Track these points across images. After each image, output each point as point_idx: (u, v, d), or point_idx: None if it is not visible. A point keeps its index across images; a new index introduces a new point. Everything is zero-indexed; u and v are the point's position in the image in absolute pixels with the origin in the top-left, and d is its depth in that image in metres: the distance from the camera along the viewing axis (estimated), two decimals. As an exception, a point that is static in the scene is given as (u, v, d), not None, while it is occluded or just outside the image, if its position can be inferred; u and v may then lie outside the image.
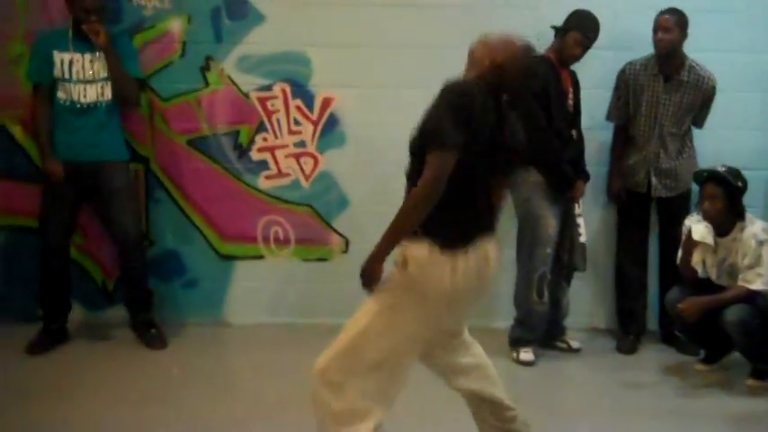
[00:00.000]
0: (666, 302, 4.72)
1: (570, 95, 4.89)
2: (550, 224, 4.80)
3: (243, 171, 5.32)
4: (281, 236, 5.37)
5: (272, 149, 5.31)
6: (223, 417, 4.04)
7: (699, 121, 5.09)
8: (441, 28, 5.16)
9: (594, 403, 4.44)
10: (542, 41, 4.77)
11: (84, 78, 4.71)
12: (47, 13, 5.10)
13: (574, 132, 4.90)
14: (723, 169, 4.54)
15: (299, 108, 5.26)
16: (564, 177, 4.86)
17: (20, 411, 4.01)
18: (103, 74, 4.74)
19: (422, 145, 2.80)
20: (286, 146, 5.30)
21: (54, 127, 4.74)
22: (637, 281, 5.24)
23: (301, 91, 5.24)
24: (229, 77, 5.24)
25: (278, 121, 5.28)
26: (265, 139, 5.30)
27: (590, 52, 4.93)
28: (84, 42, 4.69)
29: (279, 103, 5.27)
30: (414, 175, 2.85)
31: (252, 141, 5.30)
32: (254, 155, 5.31)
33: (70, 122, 4.71)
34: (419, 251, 2.83)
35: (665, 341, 5.24)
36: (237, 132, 5.29)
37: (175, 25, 5.16)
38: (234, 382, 4.55)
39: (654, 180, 5.02)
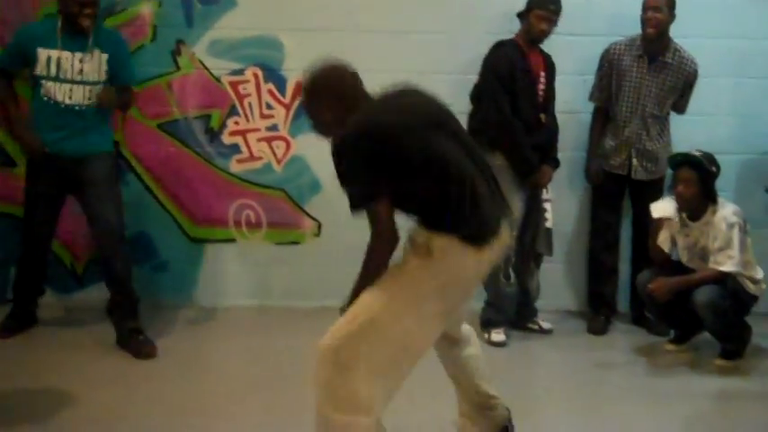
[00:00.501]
0: (638, 283, 4.76)
1: (542, 79, 4.88)
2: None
3: (214, 155, 5.30)
4: (253, 219, 5.36)
5: (243, 133, 5.30)
6: (193, 398, 4.03)
7: (680, 107, 5.13)
8: (412, 13, 5.18)
9: (566, 383, 4.48)
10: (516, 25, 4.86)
11: (72, 79, 4.44)
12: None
13: (543, 116, 4.89)
14: (698, 153, 4.58)
15: (270, 92, 5.25)
16: (525, 162, 4.82)
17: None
18: (94, 77, 4.48)
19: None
20: (258, 129, 5.29)
21: (35, 120, 4.52)
22: (608, 264, 5.29)
23: (273, 75, 5.23)
24: (201, 62, 5.22)
25: (250, 104, 5.27)
26: (237, 123, 5.28)
27: (566, 38, 5.00)
28: (73, 39, 4.42)
29: (251, 87, 5.26)
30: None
31: (223, 125, 5.28)
32: (226, 138, 5.30)
33: (53, 120, 4.48)
34: (448, 242, 2.80)
35: (636, 322, 5.30)
36: (209, 116, 5.27)
37: (146, 9, 5.13)
38: (204, 363, 4.54)
39: (635, 162, 5.05)
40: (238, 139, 5.30)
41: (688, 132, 5.23)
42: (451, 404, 3.44)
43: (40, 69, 4.43)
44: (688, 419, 3.97)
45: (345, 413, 2.74)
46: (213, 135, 5.28)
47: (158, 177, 5.28)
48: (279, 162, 5.31)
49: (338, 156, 2.80)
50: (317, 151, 5.25)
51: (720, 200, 4.61)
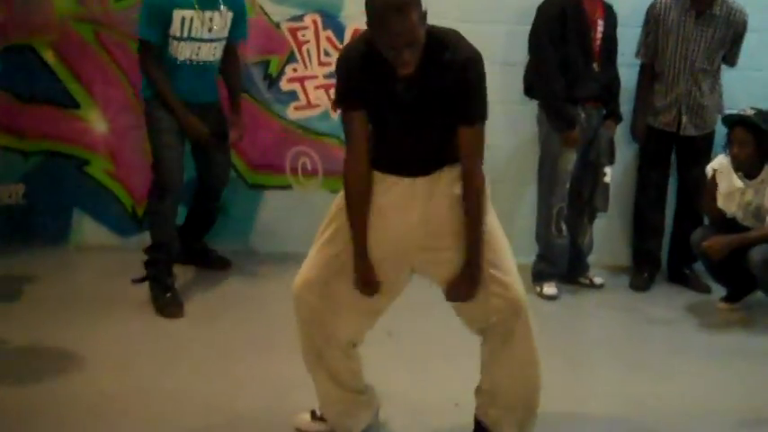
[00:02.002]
0: (692, 241, 4.72)
1: (599, 27, 4.80)
2: (569, 160, 4.81)
3: (272, 101, 5.34)
4: (309, 167, 5.41)
5: (301, 80, 5.32)
6: (248, 343, 4.14)
7: (731, 59, 5.03)
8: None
9: (617, 338, 4.51)
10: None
11: (201, 37, 4.43)
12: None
13: (596, 65, 4.82)
14: (752, 112, 4.50)
15: (329, 39, 5.25)
16: (560, 118, 4.78)
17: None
18: (220, 34, 4.51)
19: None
20: (315, 77, 5.30)
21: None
22: (654, 220, 5.25)
23: (332, 22, 5.23)
24: (261, 8, 5.22)
25: (308, 51, 5.29)
26: (295, 70, 5.31)
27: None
28: None
29: (309, 34, 5.27)
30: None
31: (282, 72, 5.31)
32: (284, 85, 5.33)
33: (178, 72, 4.46)
34: None
35: (673, 279, 5.28)
36: (267, 62, 5.30)
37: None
38: (260, 309, 4.62)
39: (684, 118, 4.98)
40: (296, 86, 5.33)
41: (745, 88, 5.14)
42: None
43: (173, 31, 4.37)
44: (741, 376, 3.97)
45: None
46: (271, 81, 5.32)
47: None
48: (335, 110, 5.33)
49: (470, 71, 2.70)
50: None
51: (777, 158, 4.54)
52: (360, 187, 2.87)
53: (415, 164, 2.85)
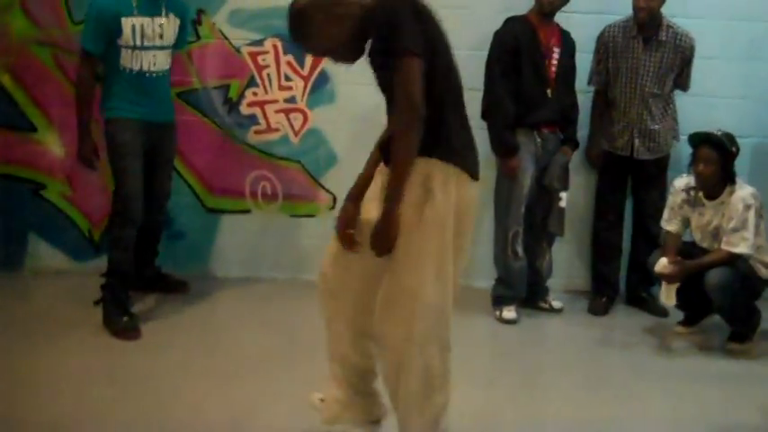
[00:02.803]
0: (649, 264, 4.77)
1: (555, 55, 4.87)
2: (523, 184, 4.85)
3: (232, 125, 5.32)
4: (269, 191, 5.39)
5: (261, 104, 5.32)
6: (206, 368, 4.08)
7: (683, 84, 5.11)
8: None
9: (575, 362, 4.50)
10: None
11: (154, 45, 4.40)
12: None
13: (549, 92, 4.86)
14: (719, 133, 4.58)
15: (289, 64, 5.26)
16: (500, 144, 4.83)
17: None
18: (170, 41, 4.50)
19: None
20: (276, 101, 5.30)
21: (116, 85, 4.42)
22: (611, 244, 5.30)
23: (292, 47, 5.22)
24: (221, 31, 5.22)
25: (268, 76, 5.29)
26: (255, 94, 5.30)
27: (571, 17, 5.01)
28: (148, 2, 4.36)
29: (270, 59, 5.27)
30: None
31: (242, 96, 5.30)
32: (244, 109, 5.32)
33: (137, 87, 4.41)
34: (446, 173, 2.84)
35: (631, 303, 5.34)
36: (228, 86, 5.29)
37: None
38: (218, 334, 4.59)
39: (637, 142, 5.05)
40: (256, 110, 5.33)
41: (703, 114, 5.21)
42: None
43: (125, 40, 4.32)
44: (697, 400, 4.00)
45: (440, 390, 2.95)
46: (232, 105, 5.31)
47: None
48: (296, 134, 5.33)
49: (385, 13, 2.71)
50: (333, 125, 5.32)
51: (738, 181, 4.59)
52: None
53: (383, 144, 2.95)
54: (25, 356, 4.10)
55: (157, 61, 4.46)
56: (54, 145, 5.26)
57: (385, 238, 2.80)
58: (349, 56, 2.90)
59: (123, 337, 4.35)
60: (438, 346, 2.91)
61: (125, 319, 4.44)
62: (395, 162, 2.76)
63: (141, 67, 4.41)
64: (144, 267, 4.96)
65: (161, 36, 4.44)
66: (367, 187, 3.03)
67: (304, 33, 2.85)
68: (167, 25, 4.47)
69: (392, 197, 2.75)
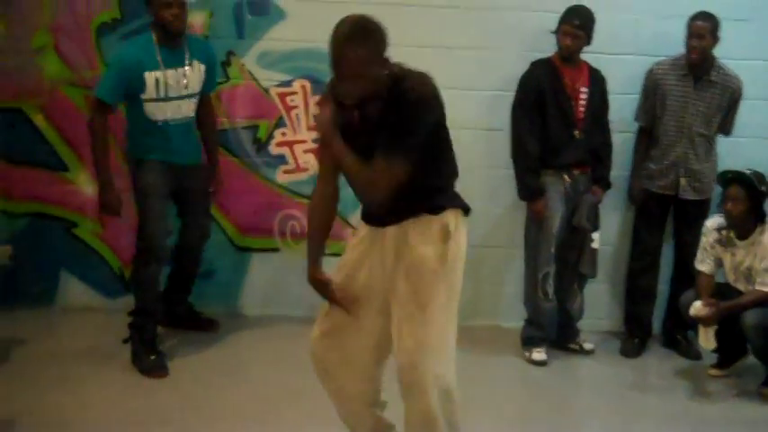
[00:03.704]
0: (681, 305, 4.70)
1: (582, 95, 4.84)
2: (554, 224, 4.81)
3: (261, 165, 5.35)
4: (298, 230, 5.40)
5: (290, 144, 5.34)
6: (234, 407, 4.09)
7: (726, 127, 5.07)
8: (453, 28, 5.18)
9: (606, 405, 4.45)
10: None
11: (179, 95, 4.46)
12: (71, 4, 5.14)
13: (577, 133, 4.83)
14: (748, 172, 4.54)
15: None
16: (524, 187, 4.84)
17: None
18: (195, 89, 4.55)
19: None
20: (304, 141, 5.32)
21: (141, 133, 4.49)
22: (647, 286, 5.22)
23: (321, 87, 5.23)
24: (250, 73, 5.27)
25: (297, 116, 5.31)
26: (284, 134, 5.33)
27: (612, 57, 5.03)
28: (172, 54, 4.41)
29: (298, 99, 5.30)
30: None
31: (270, 136, 5.33)
32: (273, 149, 5.34)
33: (160, 134, 4.47)
34: (456, 217, 3.01)
35: (667, 345, 5.24)
36: (257, 127, 5.32)
37: (198, 20, 5.17)
38: (245, 372, 4.58)
39: (683, 182, 4.99)
40: (285, 150, 5.35)
41: (738, 154, 5.16)
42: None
43: (148, 94, 4.37)
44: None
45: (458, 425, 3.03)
46: (260, 146, 5.33)
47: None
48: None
49: (414, 106, 2.79)
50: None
51: (769, 219, 4.55)
52: (314, 213, 3.15)
53: (389, 215, 2.96)
54: (54, 392, 4.13)
55: (182, 110, 4.52)
56: (85, 184, 5.31)
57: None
58: (357, 95, 2.81)
59: (151, 376, 4.38)
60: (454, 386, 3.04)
61: (152, 357, 4.46)
62: (363, 172, 2.84)
63: (166, 117, 4.46)
64: (176, 305, 4.99)
65: (186, 86, 4.49)
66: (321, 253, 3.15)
67: (362, 44, 2.77)
68: (192, 74, 4.52)
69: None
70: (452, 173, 3.09)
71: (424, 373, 2.91)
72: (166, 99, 4.43)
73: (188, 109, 4.56)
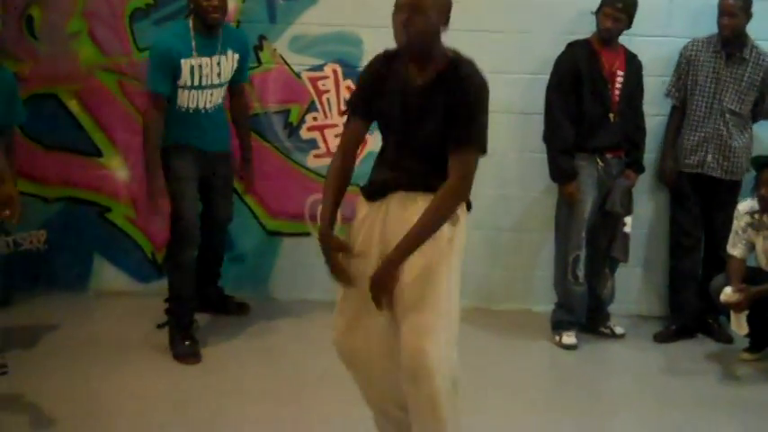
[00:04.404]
0: (712, 290, 4.68)
1: (618, 78, 4.82)
2: (585, 208, 4.80)
3: (292, 149, 5.37)
4: (328, 214, 5.41)
5: (321, 129, 5.36)
6: (266, 389, 4.13)
7: (764, 111, 5.02)
8: (490, 11, 5.17)
9: (637, 389, 4.44)
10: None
11: (212, 83, 4.51)
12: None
13: (612, 116, 4.82)
14: None
15: (349, 88, 5.28)
16: (557, 169, 4.84)
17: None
18: (228, 77, 4.60)
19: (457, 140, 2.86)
20: (335, 125, 5.32)
21: (172, 122, 4.47)
22: (687, 271, 5.15)
23: (352, 72, 5.25)
24: (282, 57, 5.28)
25: (328, 100, 5.33)
26: (315, 119, 5.34)
27: (645, 39, 5.00)
28: (207, 43, 4.44)
29: (330, 84, 5.31)
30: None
31: (302, 120, 5.35)
32: (304, 134, 5.36)
33: (191, 122, 4.52)
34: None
35: (699, 329, 5.19)
36: (288, 111, 5.34)
37: (231, 5, 5.13)
38: (276, 356, 4.62)
39: (710, 158, 4.95)
40: (316, 135, 5.37)
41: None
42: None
43: (183, 81, 4.42)
44: (763, 429, 3.90)
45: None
46: (292, 130, 5.36)
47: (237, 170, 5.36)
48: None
49: (470, 95, 2.86)
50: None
51: (804, 203, 4.50)
52: (334, 172, 3.10)
53: (402, 176, 2.95)
54: (88, 376, 4.19)
55: (213, 99, 4.56)
56: (119, 169, 5.36)
57: (385, 289, 2.88)
58: (416, 36, 2.91)
59: (184, 362, 4.42)
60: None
61: (187, 343, 4.50)
62: (428, 221, 2.83)
63: (197, 105, 4.51)
64: (205, 288, 5.03)
65: (218, 74, 4.53)
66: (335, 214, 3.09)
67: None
68: (226, 63, 4.56)
69: (405, 251, 2.84)
70: None
71: (431, 356, 2.85)
72: (200, 87, 4.47)
73: (218, 96, 4.61)
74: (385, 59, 3.05)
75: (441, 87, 2.89)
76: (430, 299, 2.87)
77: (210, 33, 4.46)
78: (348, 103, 3.19)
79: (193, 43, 4.40)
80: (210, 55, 4.47)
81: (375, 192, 3.06)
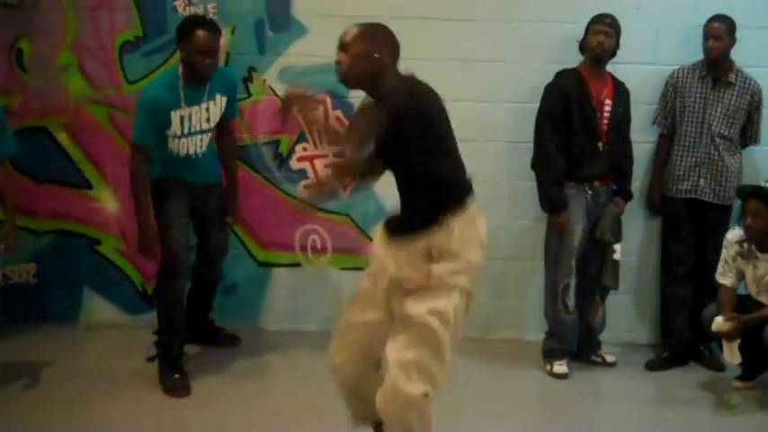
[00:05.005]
0: (704, 319, 4.67)
1: (607, 107, 4.85)
2: (575, 237, 4.80)
3: (282, 180, 5.38)
4: (319, 244, 5.42)
5: (311, 159, 5.37)
6: (257, 422, 4.10)
7: (752, 135, 5.07)
8: (477, 41, 5.20)
9: (628, 418, 4.42)
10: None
11: (201, 129, 4.53)
12: (94, 23, 5.22)
13: (600, 145, 4.83)
14: (767, 184, 4.52)
15: (338, 119, 5.31)
16: (547, 199, 4.84)
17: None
18: (217, 119, 4.61)
19: None
20: (325, 156, 5.34)
21: (163, 163, 4.51)
22: (678, 297, 5.14)
23: (341, 102, 5.28)
24: (271, 88, 5.30)
25: (318, 131, 5.34)
26: (305, 149, 5.36)
27: (632, 67, 5.05)
28: (195, 91, 4.46)
29: (319, 114, 5.32)
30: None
31: (292, 151, 5.36)
32: (294, 164, 5.37)
33: (181, 164, 4.53)
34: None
35: (690, 357, 5.17)
36: (278, 142, 5.36)
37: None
38: (266, 387, 4.60)
39: (702, 182, 4.97)
40: (306, 165, 5.38)
41: (757, 161, 5.19)
42: None
43: (173, 131, 4.43)
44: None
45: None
46: (282, 160, 5.37)
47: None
48: (345, 188, 5.35)
49: (393, 111, 2.92)
50: (382, 178, 5.31)
51: (791, 233, 4.51)
52: None
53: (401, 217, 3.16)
54: (78, 409, 4.15)
55: (203, 143, 4.58)
56: (108, 201, 5.37)
57: None
58: (346, 72, 3.20)
59: (173, 395, 4.39)
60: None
61: (176, 376, 4.47)
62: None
63: (188, 151, 4.52)
64: (196, 320, 5.01)
65: (207, 120, 4.55)
66: None
67: (367, 27, 3.22)
68: (214, 108, 4.57)
69: None
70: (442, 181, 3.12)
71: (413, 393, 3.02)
72: (189, 135, 4.49)
73: (208, 139, 4.63)
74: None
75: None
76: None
77: (200, 83, 4.47)
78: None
79: (182, 93, 4.41)
80: (199, 103, 4.48)
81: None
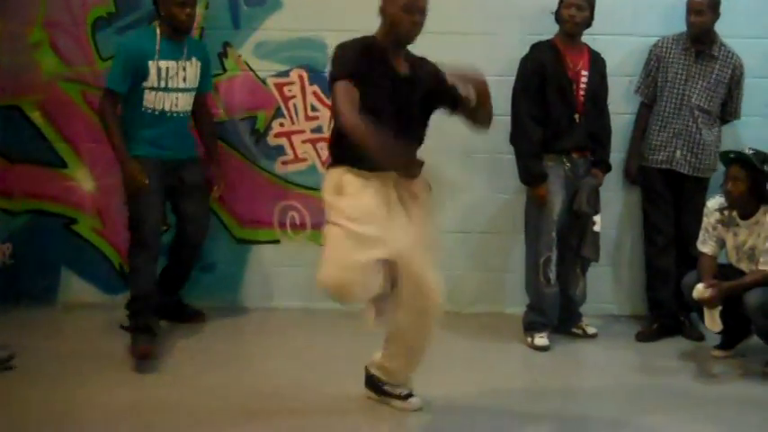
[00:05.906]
0: (684, 287, 4.68)
1: (583, 79, 4.82)
2: (555, 209, 4.80)
3: (259, 156, 5.34)
4: (297, 221, 5.39)
5: (288, 135, 5.33)
6: (237, 399, 4.06)
7: (732, 110, 5.08)
8: (453, 14, 5.12)
9: (610, 388, 4.42)
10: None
11: (177, 87, 4.58)
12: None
13: (577, 117, 4.82)
14: (750, 152, 4.52)
15: (315, 94, 5.27)
16: (527, 172, 4.82)
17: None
18: (193, 84, 4.67)
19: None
20: (303, 131, 5.31)
21: (136, 126, 4.55)
22: (662, 268, 5.13)
23: (318, 77, 5.24)
24: (246, 63, 5.25)
25: (295, 106, 5.30)
26: (282, 125, 5.32)
27: (612, 38, 5.05)
28: (172, 48, 4.54)
29: (296, 89, 5.29)
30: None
31: (269, 127, 5.32)
32: (271, 140, 5.33)
33: (156, 125, 4.55)
34: None
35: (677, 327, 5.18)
36: (254, 118, 5.31)
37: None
38: (245, 366, 4.56)
39: (678, 154, 4.97)
40: (283, 141, 5.34)
41: (742, 132, 5.21)
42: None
43: (150, 82, 4.49)
44: (737, 426, 3.91)
45: None
46: (258, 136, 5.32)
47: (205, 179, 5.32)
48: (323, 164, 5.32)
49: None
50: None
51: (773, 200, 4.53)
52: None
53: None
54: (55, 389, 4.11)
55: (179, 103, 4.60)
56: (84, 180, 5.31)
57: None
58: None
59: (139, 358, 4.37)
60: None
61: (143, 338, 4.48)
62: None
63: (163, 107, 4.54)
64: (166, 296, 4.97)
65: (184, 79, 4.59)
66: None
67: None
68: (191, 68, 4.63)
69: None
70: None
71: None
72: (166, 89, 4.52)
73: (185, 103, 4.63)
74: (363, 47, 3.52)
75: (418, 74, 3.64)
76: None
77: (178, 39, 4.53)
78: (341, 68, 3.45)
79: (158, 47, 4.48)
80: (177, 59, 4.54)
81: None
